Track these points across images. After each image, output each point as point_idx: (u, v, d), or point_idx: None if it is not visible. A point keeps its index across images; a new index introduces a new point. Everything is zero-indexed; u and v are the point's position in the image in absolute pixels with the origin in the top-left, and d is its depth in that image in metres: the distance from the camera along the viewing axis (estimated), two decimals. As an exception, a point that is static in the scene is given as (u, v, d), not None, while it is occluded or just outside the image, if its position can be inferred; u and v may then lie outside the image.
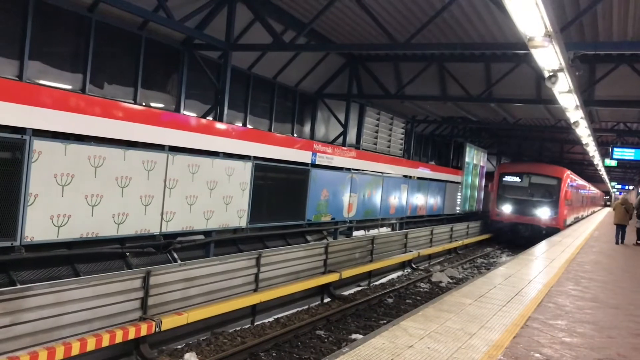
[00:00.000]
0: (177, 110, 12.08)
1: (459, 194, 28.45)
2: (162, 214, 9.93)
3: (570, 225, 29.66)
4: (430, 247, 20.82)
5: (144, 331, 8.00)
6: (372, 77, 17.30)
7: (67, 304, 7.32)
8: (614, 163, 27.69)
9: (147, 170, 9.52)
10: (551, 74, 9.25)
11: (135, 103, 11.02)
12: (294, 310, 12.14)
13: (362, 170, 17.78)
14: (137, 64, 11.22)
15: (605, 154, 27.57)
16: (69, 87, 9.85)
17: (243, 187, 12.09)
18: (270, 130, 15.40)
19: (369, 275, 16.01)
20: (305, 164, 14.63)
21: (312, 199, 14.79)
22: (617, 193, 65.82)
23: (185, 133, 10.48)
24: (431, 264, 20.46)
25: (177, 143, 10.29)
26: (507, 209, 27.81)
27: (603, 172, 43.90)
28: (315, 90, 17.21)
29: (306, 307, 12.58)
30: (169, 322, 8.44)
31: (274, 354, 9.19)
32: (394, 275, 17.58)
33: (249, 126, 14.36)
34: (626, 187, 66.41)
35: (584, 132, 17.42)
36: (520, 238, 26.87)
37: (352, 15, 13.01)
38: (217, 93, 12.48)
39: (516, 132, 30.46)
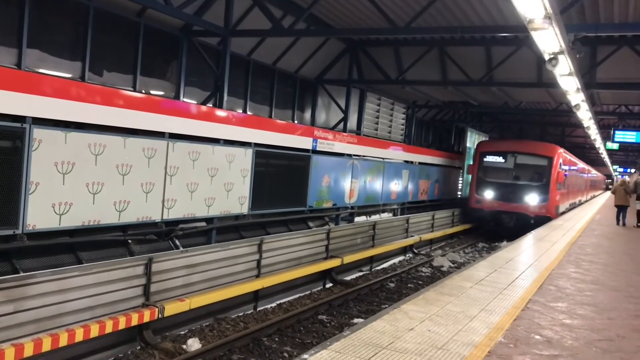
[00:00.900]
0: (177, 97, 12.05)
1: (461, 178, 28.45)
2: (163, 201, 9.95)
3: (564, 212, 25.75)
4: (432, 232, 20.87)
5: (147, 317, 8.06)
6: (373, 62, 17.21)
7: (69, 291, 7.37)
8: (615, 146, 27.64)
9: (147, 157, 9.52)
10: (552, 56, 9.20)
11: (134, 90, 11.00)
12: (296, 296, 12.20)
13: (363, 156, 17.77)
14: (136, 51, 11.18)
15: (606, 137, 27.41)
16: (68, 75, 9.82)
17: (244, 173, 12.10)
18: (270, 116, 15.37)
19: (371, 260, 16.07)
20: (306, 150, 14.62)
21: (313, 185, 14.80)
22: (619, 176, 65.72)
23: (185, 120, 10.47)
24: (432, 248, 20.51)
25: (177, 130, 10.28)
26: (488, 194, 23.55)
27: (605, 156, 43.81)
28: (315, 76, 17.15)
29: (308, 292, 12.65)
30: (172, 309, 8.50)
31: (276, 339, 9.26)
32: (396, 260, 17.64)
33: (249, 113, 14.33)
34: (628, 170, 66.32)
35: (585, 115, 17.35)
36: (503, 229, 23.16)
37: (352, 0, 12.93)
38: (217, 80, 12.44)
39: (517, 116, 30.36)
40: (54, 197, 8.04)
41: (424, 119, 26.39)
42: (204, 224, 11.51)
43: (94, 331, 7.28)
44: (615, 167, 67.45)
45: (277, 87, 15.65)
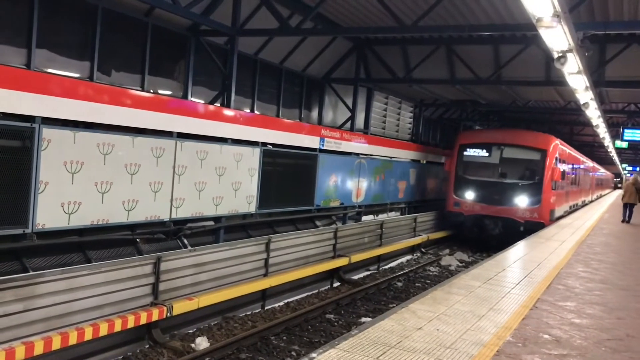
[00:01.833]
0: (185, 96, 12.08)
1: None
2: (171, 200, 9.98)
3: (561, 217, 21.36)
4: (439, 231, 20.83)
5: (155, 316, 8.08)
6: (380, 60, 17.18)
7: (79, 290, 7.41)
8: (624, 145, 27.46)
9: (155, 157, 9.56)
10: (560, 54, 9.15)
11: (142, 90, 11.04)
12: (304, 295, 12.21)
13: (371, 155, 17.75)
14: (144, 51, 11.22)
15: (615, 135, 27.23)
16: (76, 75, 9.87)
17: (251, 173, 12.12)
18: (277, 115, 15.38)
19: (378, 259, 16.06)
20: (314, 149, 14.62)
21: (320, 184, 14.80)
22: (628, 175, 65.32)
23: (193, 119, 10.50)
24: (440, 247, 20.47)
25: (185, 130, 10.31)
26: (468, 195, 19.64)
27: (614, 154, 43.53)
28: (322, 75, 17.14)
29: (316, 291, 12.65)
30: (180, 307, 8.52)
31: (284, 338, 9.27)
32: (403, 259, 17.61)
33: (256, 112, 14.35)
34: (637, 168, 65.87)
35: (594, 113, 17.26)
36: (487, 237, 19.35)
37: (359, -1, 12.92)
38: (224, 79, 12.47)
39: (525, 114, 30.18)
40: (63, 196, 8.08)
41: (431, 118, 26.33)
42: (211, 223, 11.54)
43: (103, 330, 7.32)
44: (624, 165, 67.02)
45: (284, 86, 15.66)
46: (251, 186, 12.15)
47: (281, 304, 11.40)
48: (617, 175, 79.35)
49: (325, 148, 15.06)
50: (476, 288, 7.40)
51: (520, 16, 10.81)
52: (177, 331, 8.99)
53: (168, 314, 8.28)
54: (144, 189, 9.40)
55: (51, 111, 7.92)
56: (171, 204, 10.00)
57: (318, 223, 15.56)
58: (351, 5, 13.36)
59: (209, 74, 12.87)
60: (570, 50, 9.00)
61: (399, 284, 14.10)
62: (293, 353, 8.57)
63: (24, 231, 7.65)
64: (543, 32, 7.99)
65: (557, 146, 20.52)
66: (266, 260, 11.02)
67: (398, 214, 20.90)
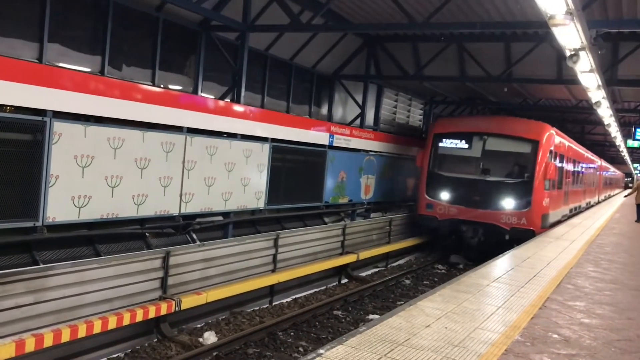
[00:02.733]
0: (195, 92, 12.10)
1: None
2: (181, 195, 10.01)
3: (558, 223, 18.04)
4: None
5: (164, 310, 8.12)
6: (390, 57, 17.13)
7: (88, 283, 7.46)
8: (636, 144, 27.19)
9: (165, 151, 9.58)
10: (572, 53, 9.08)
11: (153, 85, 11.06)
12: (312, 291, 12.23)
13: (380, 151, 17.72)
14: (155, 46, 11.24)
15: (627, 134, 27.04)
16: (88, 69, 9.91)
17: (261, 168, 12.13)
18: (287, 112, 15.38)
19: (387, 256, 16.05)
20: (323, 146, 14.61)
21: (329, 181, 14.79)
22: (639, 175, 64.79)
23: (203, 115, 10.52)
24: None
25: (195, 125, 10.33)
26: (444, 196, 16.39)
27: (625, 154, 43.19)
28: (332, 72, 17.11)
29: (324, 287, 12.67)
30: (189, 302, 8.56)
31: (292, 334, 9.29)
32: (412, 257, 17.58)
33: (266, 108, 14.35)
34: (649, 168, 65.32)
35: (605, 112, 17.12)
36: (466, 247, 16.55)
37: (370, -5, 12.88)
38: (235, 75, 12.47)
39: (536, 113, 29.96)
40: (73, 190, 8.12)
41: (442, 115, 26.22)
42: (220, 218, 11.57)
43: (112, 323, 7.37)
44: (635, 165, 66.47)
45: (294, 83, 15.65)
46: (260, 182, 12.16)
47: (289, 299, 11.42)
48: (629, 174, 78.72)
49: (334, 144, 15.05)
50: (485, 286, 7.38)
51: (532, 13, 10.74)
52: (185, 325, 9.03)
53: (176, 308, 8.32)
54: (153, 183, 9.43)
55: (62, 105, 7.95)
56: (180, 199, 10.03)
57: (326, 220, 15.57)
58: (362, 1, 13.32)
59: (219, 70, 12.88)
60: (582, 49, 8.93)
61: (407, 281, 14.09)
62: (300, 349, 8.58)
63: (34, 224, 7.70)
64: (555, 30, 7.93)
65: (553, 137, 16.95)
66: (274, 256, 11.04)
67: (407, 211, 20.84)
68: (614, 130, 23.95)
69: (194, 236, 10.84)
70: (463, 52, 16.65)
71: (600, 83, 12.04)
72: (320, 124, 14.92)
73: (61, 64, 9.44)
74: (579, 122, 30.96)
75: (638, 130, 23.02)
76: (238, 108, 11.70)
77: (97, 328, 7.16)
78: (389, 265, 16.02)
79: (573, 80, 13.21)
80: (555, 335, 5.44)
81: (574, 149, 22.67)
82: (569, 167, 21.14)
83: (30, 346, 6.31)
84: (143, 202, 9.27)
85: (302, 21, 12.53)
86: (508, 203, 15.73)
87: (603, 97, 13.98)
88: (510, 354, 4.76)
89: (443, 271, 15.85)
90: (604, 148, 44.18)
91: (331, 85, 17.40)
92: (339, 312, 10.73)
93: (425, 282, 14.23)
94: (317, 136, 14.31)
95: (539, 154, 15.94)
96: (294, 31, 13.44)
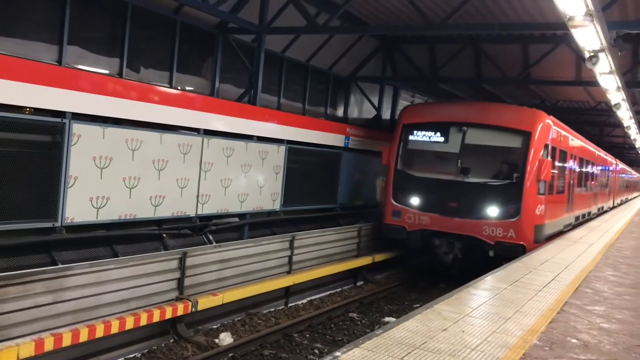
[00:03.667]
0: (212, 94, 12.16)
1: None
2: (197, 196, 10.07)
3: (559, 234, 14.74)
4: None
5: (180, 311, 8.17)
6: (406, 59, 17.09)
7: (106, 283, 7.53)
8: (657, 146, 26.83)
9: (182, 153, 9.64)
10: (592, 54, 8.99)
11: (170, 87, 11.14)
12: (327, 293, 12.22)
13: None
14: (173, 48, 11.32)
15: (647, 137, 26.64)
16: (106, 71, 10.00)
17: (276, 170, 12.15)
18: (303, 113, 15.40)
19: (403, 259, 15.96)
20: (338, 148, 14.60)
21: (344, 183, 14.78)
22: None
23: (219, 117, 10.57)
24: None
25: (211, 127, 10.38)
26: (414, 201, 13.41)
27: (645, 157, 42.59)
28: (348, 73, 17.10)
29: (339, 289, 12.65)
30: (205, 303, 8.60)
31: (307, 335, 9.29)
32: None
33: (282, 110, 14.38)
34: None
35: (625, 114, 16.91)
36: (441, 265, 13.69)
37: (387, -3, 12.86)
38: (251, 77, 12.52)
39: (554, 114, 29.71)
40: (91, 191, 8.20)
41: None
42: (236, 219, 11.61)
43: (129, 323, 7.42)
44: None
45: (310, 84, 15.67)
46: (276, 184, 12.18)
47: (304, 301, 11.43)
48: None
49: (349, 146, 15.04)
50: (502, 290, 7.32)
51: (551, 15, 10.66)
52: (201, 326, 9.08)
53: (193, 309, 8.36)
54: (171, 184, 9.49)
55: (81, 107, 8.03)
56: (197, 200, 10.08)
57: (342, 221, 15.55)
58: (379, 3, 13.30)
59: (236, 72, 12.93)
60: (602, 50, 8.84)
61: (423, 284, 14.02)
62: (316, 351, 8.58)
63: (53, 225, 7.78)
64: (575, 32, 7.85)
65: (550, 128, 13.53)
66: (290, 257, 11.05)
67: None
68: (634, 133, 23.65)
69: (210, 237, 10.89)
70: (480, 54, 16.56)
71: (620, 85, 11.91)
72: (336, 125, 14.92)
73: (80, 66, 9.54)
74: (597, 124, 30.61)
75: (658, 132, 22.67)
76: (254, 110, 11.73)
77: (114, 328, 7.23)
78: (404, 268, 15.93)
79: (592, 82, 13.07)
80: (574, 340, 5.38)
81: (581, 145, 18.99)
82: (574, 166, 17.63)
83: (49, 345, 6.39)
84: (160, 203, 9.33)
85: (318, 23, 12.54)
86: (492, 211, 12.57)
87: (623, 99, 13.81)
88: (528, 359, 4.71)
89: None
90: (623, 150, 43.67)
91: (347, 86, 17.40)
92: (355, 315, 10.72)
93: (441, 285, 14.14)
94: (332, 138, 14.30)
95: (532, 148, 12.63)
96: (310, 33, 13.45)
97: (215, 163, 10.37)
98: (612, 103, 14.33)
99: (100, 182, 8.31)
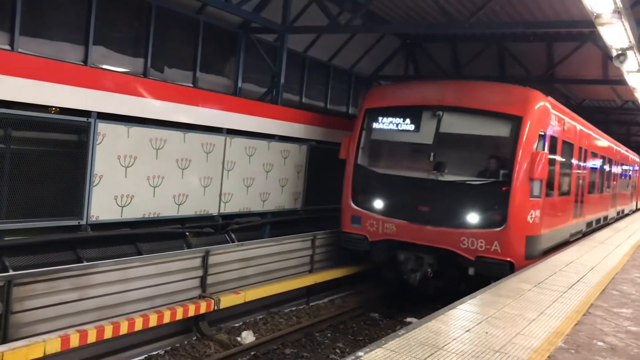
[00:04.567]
0: (235, 93, 12.23)
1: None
2: (220, 195, 10.12)
3: (562, 245, 11.95)
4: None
5: (203, 309, 8.23)
6: (429, 58, 16.99)
7: (130, 281, 7.61)
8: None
9: (206, 152, 9.71)
10: (619, 52, 8.84)
11: (194, 87, 11.22)
12: (348, 292, 12.18)
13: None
14: (196, 48, 11.41)
15: (675, 136, 26.13)
16: (131, 71, 10.11)
17: (298, 169, 12.17)
18: (324, 112, 15.40)
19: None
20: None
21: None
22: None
23: (242, 116, 10.61)
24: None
25: (234, 126, 10.43)
26: (377, 205, 10.83)
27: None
28: (370, 72, 17.07)
29: (361, 289, 12.61)
30: (227, 301, 8.65)
31: (329, 335, 9.29)
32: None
33: (304, 109, 14.40)
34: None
35: (653, 113, 16.61)
36: (411, 285, 10.61)
37: (409, -5, 12.80)
38: (273, 76, 12.55)
39: (580, 114, 29.29)
40: (116, 189, 8.30)
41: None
42: (258, 218, 11.65)
43: (153, 321, 7.49)
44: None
45: (332, 84, 15.66)
46: (298, 183, 12.20)
47: (325, 300, 11.41)
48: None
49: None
50: (526, 291, 7.23)
51: (577, 13, 10.52)
52: (223, 324, 9.12)
53: (215, 307, 8.41)
54: (194, 183, 9.56)
55: (106, 106, 8.13)
56: (220, 199, 10.14)
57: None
58: (401, 1, 13.24)
59: (258, 71, 12.99)
60: (630, 48, 8.68)
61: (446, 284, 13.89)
62: (337, 350, 8.58)
63: (79, 222, 7.89)
64: (602, 29, 7.73)
65: (548, 113, 10.65)
66: (311, 256, 11.05)
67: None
68: (662, 132, 23.21)
69: (233, 236, 10.95)
70: (503, 52, 16.39)
71: (648, 83, 11.69)
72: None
73: (105, 66, 9.66)
74: (624, 123, 30.13)
75: (687, 131, 22.17)
76: (276, 109, 11.76)
77: (138, 325, 7.30)
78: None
79: (619, 81, 12.86)
80: (600, 343, 5.29)
81: (594, 137, 15.83)
82: (585, 162, 14.68)
83: (74, 341, 6.48)
84: (184, 201, 9.40)
85: (340, 22, 12.54)
86: (472, 217, 9.92)
87: (651, 98, 13.57)
88: (554, 361, 4.65)
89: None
90: (651, 150, 42.90)
91: (369, 85, 17.35)
92: (376, 315, 10.67)
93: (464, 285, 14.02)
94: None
95: (522, 138, 9.89)
96: (333, 32, 13.46)
97: (237, 162, 10.42)
98: (640, 102, 14.08)
99: (125, 180, 8.40)
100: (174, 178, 9.18)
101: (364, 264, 12.25)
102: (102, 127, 8.01)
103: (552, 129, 10.94)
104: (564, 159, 12.19)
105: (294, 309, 10.58)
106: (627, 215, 24.24)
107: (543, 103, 10.53)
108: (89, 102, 7.86)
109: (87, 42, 9.36)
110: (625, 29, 7.69)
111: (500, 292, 7.06)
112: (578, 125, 13.64)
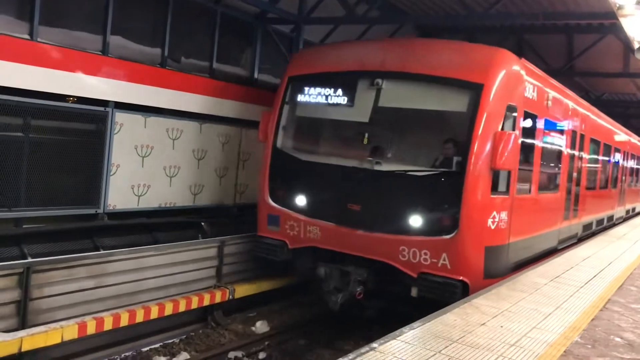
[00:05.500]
0: (251, 84, 12.22)
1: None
2: (235, 185, 10.15)
3: (539, 258, 9.22)
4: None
5: (218, 298, 8.28)
6: (447, 49, 16.82)
7: (146, 269, 7.68)
8: None
9: (221, 143, 9.73)
10: (641, 44, 8.70)
11: (210, 77, 11.23)
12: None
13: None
14: (213, 38, 11.39)
15: (697, 131, 25.70)
16: (148, 61, 10.13)
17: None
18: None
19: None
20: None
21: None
22: None
23: (257, 107, 10.61)
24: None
25: (249, 117, 10.43)
26: (299, 202, 8.32)
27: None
28: (387, 64, 16.94)
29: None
30: (242, 291, 8.69)
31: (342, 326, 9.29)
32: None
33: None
34: None
35: (674, 107, 16.34)
36: (331, 309, 8.08)
37: (427, -14, 12.68)
38: (290, 67, 12.51)
39: (599, 108, 28.90)
40: (133, 179, 8.36)
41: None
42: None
43: (168, 309, 7.56)
44: None
45: (348, 75, 15.57)
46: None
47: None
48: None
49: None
50: (542, 286, 7.17)
51: (598, 4, 10.34)
52: (238, 314, 9.16)
53: (230, 297, 8.45)
54: (210, 174, 9.60)
55: (124, 96, 8.18)
56: (235, 190, 10.17)
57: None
58: (419, -8, 13.12)
59: (274, 62, 12.95)
60: (652, 40, 8.54)
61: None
62: (352, 342, 8.57)
63: (96, 211, 7.97)
64: (624, 21, 7.60)
65: (520, 80, 8.21)
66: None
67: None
68: (683, 126, 22.84)
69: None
70: (522, 44, 16.18)
71: (670, 76, 11.49)
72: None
73: (123, 56, 9.68)
74: (644, 117, 29.68)
75: None
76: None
77: (154, 313, 7.37)
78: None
79: (640, 74, 12.65)
80: (617, 339, 5.24)
81: (591, 118, 13.00)
82: (580, 150, 11.92)
83: (91, 328, 6.56)
84: (200, 192, 9.44)
85: (357, 13, 12.45)
86: (415, 220, 7.54)
87: (672, 91, 13.33)
88: (570, 356, 4.62)
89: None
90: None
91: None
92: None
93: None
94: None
95: (483, 112, 7.39)
96: (350, 23, 13.37)
97: (252, 153, 10.43)
98: (661, 95, 13.85)
99: (142, 170, 8.46)
100: (190, 168, 9.24)
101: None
102: (120, 116, 8.07)
103: (528, 102, 8.37)
104: (547, 145, 9.65)
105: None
106: (634, 216, 21.16)
107: (514, 66, 7.94)
108: (106, 91, 7.91)
109: (105, 32, 9.39)
110: (648, 21, 7.56)
111: (517, 287, 7.02)
112: (571, 102, 10.89)
